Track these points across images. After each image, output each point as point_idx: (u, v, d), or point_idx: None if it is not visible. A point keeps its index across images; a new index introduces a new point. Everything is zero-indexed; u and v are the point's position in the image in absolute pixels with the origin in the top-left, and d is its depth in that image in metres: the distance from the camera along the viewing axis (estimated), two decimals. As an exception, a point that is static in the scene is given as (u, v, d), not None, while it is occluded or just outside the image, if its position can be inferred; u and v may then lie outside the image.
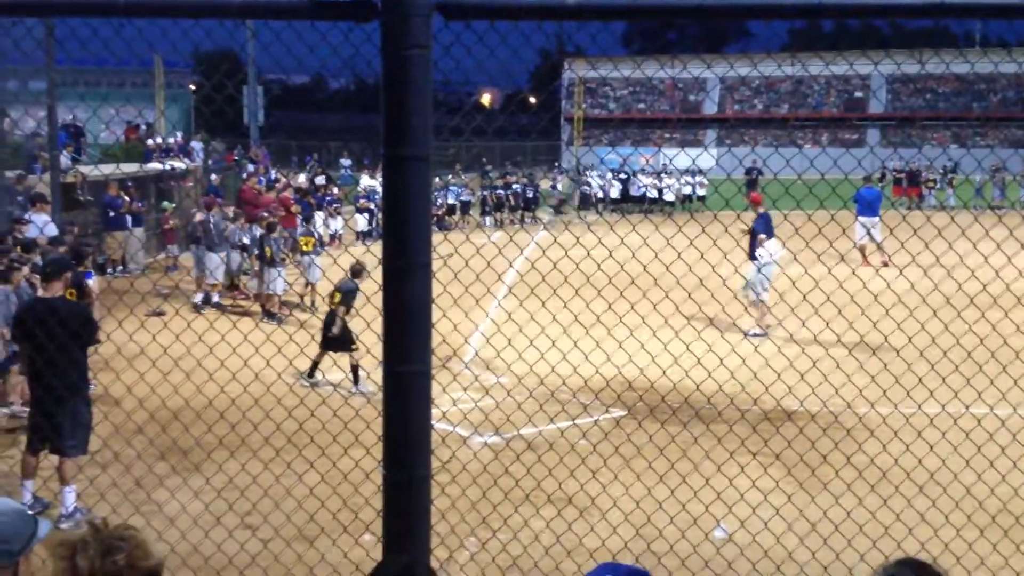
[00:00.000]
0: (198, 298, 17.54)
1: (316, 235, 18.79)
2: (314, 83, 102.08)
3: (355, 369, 11.82)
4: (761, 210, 15.23)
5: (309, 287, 17.55)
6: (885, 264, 19.61)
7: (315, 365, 12.09)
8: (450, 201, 32.00)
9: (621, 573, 2.57)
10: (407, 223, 3.80)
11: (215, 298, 17.69)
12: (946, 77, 64.74)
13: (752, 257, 14.73)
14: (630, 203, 37.54)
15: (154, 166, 25.26)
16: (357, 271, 12.09)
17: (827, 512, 7.30)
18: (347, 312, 11.83)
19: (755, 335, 13.80)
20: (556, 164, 43.92)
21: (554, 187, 37.60)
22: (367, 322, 11.92)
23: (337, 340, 11.92)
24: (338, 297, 11.90)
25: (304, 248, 17.53)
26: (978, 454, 7.61)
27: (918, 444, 8.35)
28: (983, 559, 6.30)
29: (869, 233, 20.90)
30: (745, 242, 15.24)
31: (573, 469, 7.63)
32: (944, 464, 7.71)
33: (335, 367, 12.18)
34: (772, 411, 9.95)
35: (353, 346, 11.78)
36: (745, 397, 9.76)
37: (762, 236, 14.58)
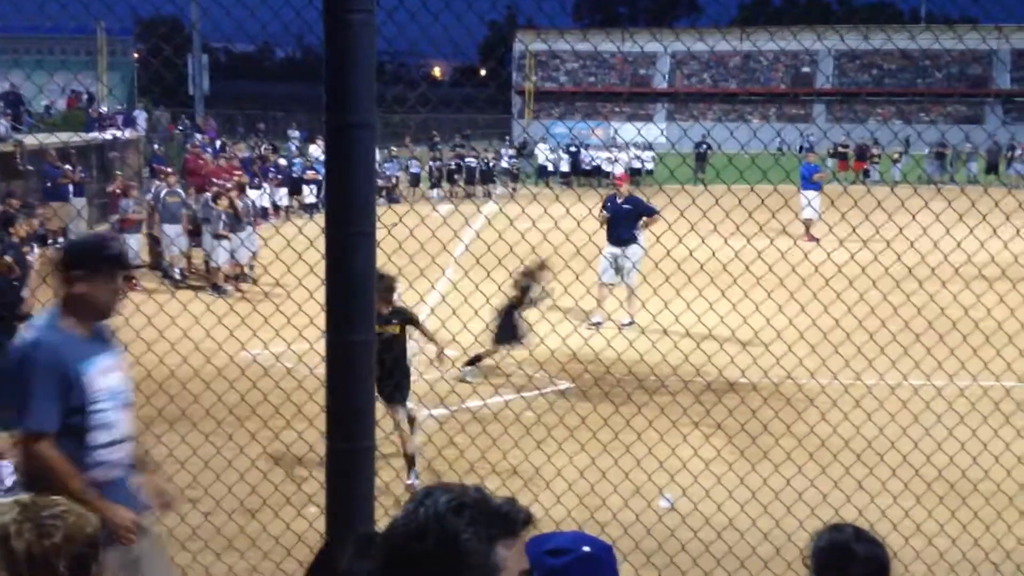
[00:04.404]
0: (175, 272, 17.31)
1: (252, 206, 18.40)
2: (260, 51, 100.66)
3: (477, 359, 10.99)
4: (626, 192, 14.04)
5: (250, 257, 17.30)
6: (812, 238, 19.75)
7: (479, 359, 11.03)
8: (397, 173, 31.80)
9: (596, 547, 2.53)
10: (350, 192, 3.76)
11: (175, 272, 17.42)
12: (891, 53, 65.43)
13: (623, 242, 13.36)
14: (580, 176, 37.61)
15: (95, 135, 24.77)
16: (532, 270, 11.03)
17: (767, 480, 7.41)
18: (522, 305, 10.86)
19: (629, 323, 13.13)
20: (506, 137, 43.76)
21: (499, 160, 37.39)
22: (310, 292, 11.84)
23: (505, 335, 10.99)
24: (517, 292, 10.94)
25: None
26: (915, 423, 7.77)
27: (856, 413, 8.51)
28: (919, 526, 6.44)
29: (808, 207, 21.10)
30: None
31: (518, 440, 7.66)
32: (882, 433, 7.85)
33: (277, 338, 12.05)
34: (715, 381, 10.06)
35: (515, 342, 10.85)
36: (688, 368, 9.86)
37: (655, 217, 13.25)
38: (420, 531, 1.74)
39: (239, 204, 17.29)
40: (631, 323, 12.96)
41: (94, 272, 3.76)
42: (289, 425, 6.50)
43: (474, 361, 10.69)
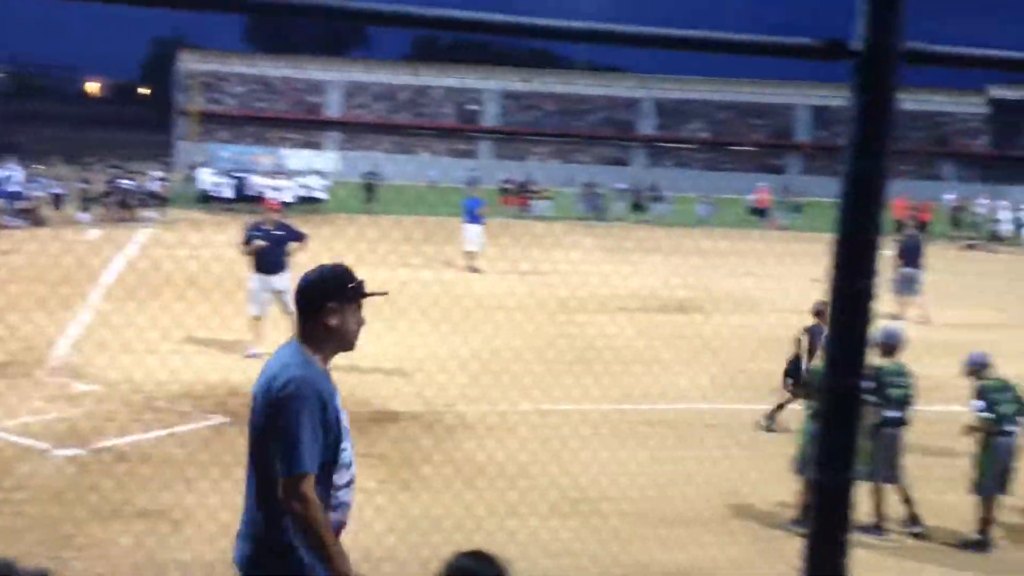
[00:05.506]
0: None
1: None
2: None
3: (781, 406, 10.07)
4: (276, 218, 13.08)
5: None
6: (475, 270, 20.27)
7: (779, 408, 10.09)
8: (40, 194, 29.37)
9: None
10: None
11: None
12: (550, 96, 69.53)
13: (275, 269, 12.46)
14: (244, 202, 36.55)
15: None
16: (819, 311, 9.77)
17: (428, 509, 7.48)
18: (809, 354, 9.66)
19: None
20: (167, 159, 41.77)
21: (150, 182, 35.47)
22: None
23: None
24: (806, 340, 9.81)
25: None
26: (563, 447, 8.17)
27: (512, 439, 8.83)
28: (566, 545, 6.73)
29: (471, 240, 21.65)
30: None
31: (167, 480, 7.23)
32: (534, 457, 8.16)
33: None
34: (378, 413, 10.05)
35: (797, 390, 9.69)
36: (354, 399, 9.79)
37: (305, 242, 12.59)
38: None
39: None
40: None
41: (346, 303, 3.58)
42: None
43: (783, 402, 10.05)
